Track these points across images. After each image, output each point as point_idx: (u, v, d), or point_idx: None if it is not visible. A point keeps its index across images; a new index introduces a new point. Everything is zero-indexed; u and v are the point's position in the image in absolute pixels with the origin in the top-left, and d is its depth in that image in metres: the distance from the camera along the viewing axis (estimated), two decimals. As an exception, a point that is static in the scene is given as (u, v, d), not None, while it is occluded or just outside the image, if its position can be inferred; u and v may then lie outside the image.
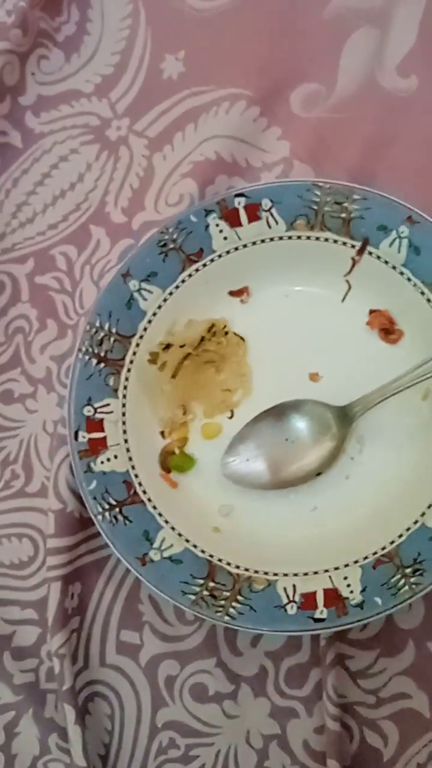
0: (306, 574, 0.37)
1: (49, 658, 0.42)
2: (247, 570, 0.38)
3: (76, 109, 0.50)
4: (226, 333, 0.42)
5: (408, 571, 0.35)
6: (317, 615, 0.36)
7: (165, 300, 0.42)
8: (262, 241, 0.41)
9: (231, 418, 0.42)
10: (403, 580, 0.35)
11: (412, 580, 0.35)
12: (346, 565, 0.37)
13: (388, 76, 0.42)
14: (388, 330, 0.40)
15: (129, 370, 0.42)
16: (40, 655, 0.43)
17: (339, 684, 0.38)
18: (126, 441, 0.41)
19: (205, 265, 0.42)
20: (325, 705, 0.38)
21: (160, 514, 0.40)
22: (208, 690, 0.40)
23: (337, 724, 0.38)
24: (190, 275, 0.42)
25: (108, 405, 0.41)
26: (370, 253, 0.39)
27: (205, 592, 0.37)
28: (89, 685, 0.42)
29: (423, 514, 0.36)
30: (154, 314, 0.42)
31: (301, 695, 0.40)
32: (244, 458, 0.40)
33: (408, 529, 0.37)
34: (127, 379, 0.42)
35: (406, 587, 0.35)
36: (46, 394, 0.46)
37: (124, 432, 0.41)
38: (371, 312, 0.41)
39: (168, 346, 0.42)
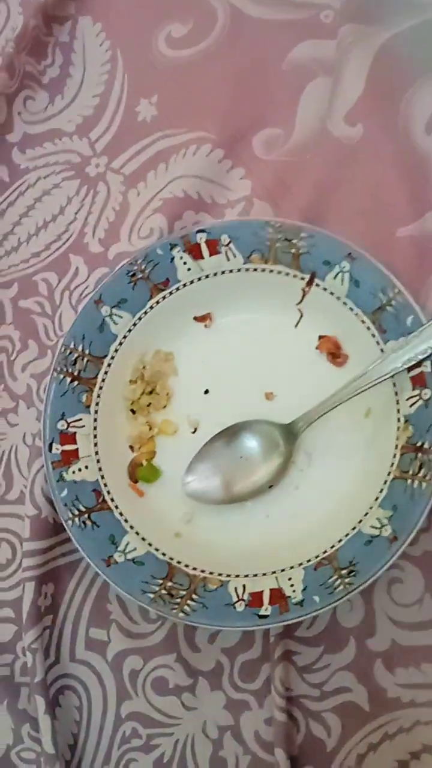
0: (255, 575, 0.41)
1: (24, 654, 0.45)
2: (203, 571, 0.42)
3: (59, 146, 0.54)
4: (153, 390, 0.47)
5: (344, 572, 0.39)
6: (262, 612, 0.39)
7: (134, 324, 0.46)
8: (222, 272, 0.45)
9: (194, 432, 0.46)
10: (339, 581, 0.39)
11: (346, 580, 0.38)
12: (291, 568, 0.40)
13: (337, 124, 0.46)
14: (334, 354, 0.44)
15: (101, 388, 0.46)
16: (16, 651, 0.46)
17: (286, 678, 0.42)
18: (96, 453, 0.45)
19: (171, 293, 0.46)
20: (273, 698, 0.41)
21: (126, 520, 0.43)
22: (169, 683, 0.44)
23: (284, 715, 0.41)
24: (157, 302, 0.46)
25: (80, 420, 0.45)
26: (318, 285, 0.43)
27: (163, 591, 0.41)
28: (60, 678, 0.45)
29: (360, 521, 0.40)
30: (125, 337, 0.46)
31: (253, 689, 0.43)
32: (203, 477, 0.44)
33: (347, 535, 0.40)
34: (99, 396, 0.45)
35: (341, 587, 0.38)
36: (26, 409, 0.50)
37: (95, 445, 0.45)
38: (320, 337, 0.45)
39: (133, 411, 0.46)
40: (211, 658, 0.44)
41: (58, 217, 0.53)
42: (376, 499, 0.40)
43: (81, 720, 0.45)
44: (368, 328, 0.42)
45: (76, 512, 0.43)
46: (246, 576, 0.41)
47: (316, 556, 0.40)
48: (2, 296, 0.52)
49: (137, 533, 0.43)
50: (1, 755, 0.45)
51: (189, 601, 0.40)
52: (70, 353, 0.45)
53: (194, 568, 0.42)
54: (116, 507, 0.44)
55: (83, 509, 0.43)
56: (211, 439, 0.44)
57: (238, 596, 0.40)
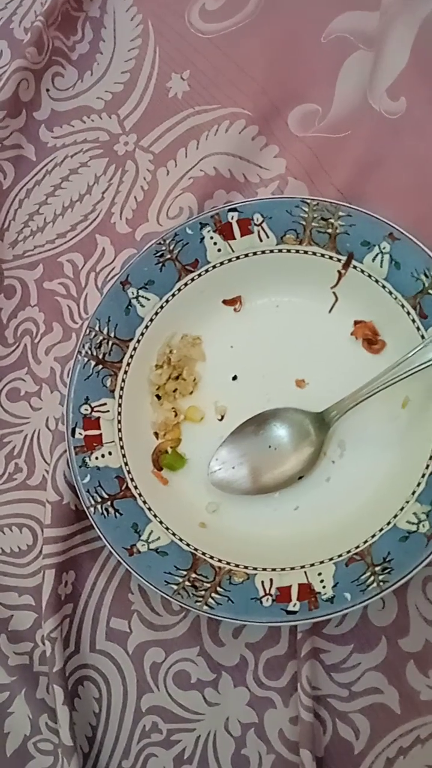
0: (283, 569, 0.39)
1: (43, 642, 0.44)
2: (228, 564, 0.40)
3: (87, 124, 0.52)
4: (179, 376, 0.45)
5: (378, 569, 0.37)
6: (290, 608, 0.38)
7: (162, 307, 0.44)
8: (254, 253, 0.43)
9: (221, 420, 0.44)
10: (372, 578, 0.37)
11: (380, 577, 0.37)
12: (321, 562, 0.39)
13: (378, 98, 0.44)
14: (371, 340, 0.42)
15: (126, 373, 0.44)
16: (35, 639, 0.45)
17: (313, 676, 0.40)
18: (121, 439, 0.43)
19: (200, 275, 0.44)
20: (299, 696, 0.40)
21: (149, 509, 0.42)
22: (191, 678, 0.42)
23: (311, 715, 0.39)
24: (186, 284, 0.44)
25: (105, 404, 0.43)
26: (355, 267, 0.41)
27: (187, 583, 0.39)
28: (79, 669, 0.44)
29: (395, 516, 0.38)
30: (151, 320, 0.44)
31: (278, 686, 0.41)
32: (230, 466, 0.42)
33: (381, 530, 0.38)
34: (123, 380, 0.44)
35: (375, 584, 0.37)
36: (50, 393, 0.48)
37: (120, 430, 0.43)
38: (356, 323, 0.43)
39: (159, 397, 0.45)
40: (235, 653, 0.42)
41: (85, 197, 0.51)
42: (413, 493, 0.38)
43: (100, 712, 0.43)
44: (408, 313, 0.40)
45: (99, 499, 0.42)
46: (273, 569, 0.39)
47: (348, 551, 0.38)
48: (27, 277, 0.51)
49: (161, 522, 0.42)
50: (18, 745, 0.44)
51: (214, 594, 0.39)
52: (95, 336, 0.44)
53: (219, 560, 0.41)
54: (140, 495, 0.42)
55: (106, 496, 0.42)
56: (239, 426, 0.42)
57: (264, 590, 0.39)
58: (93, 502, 0.41)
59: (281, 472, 0.41)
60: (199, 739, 0.42)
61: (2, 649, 0.44)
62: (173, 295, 0.44)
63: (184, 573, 0.40)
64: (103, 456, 0.43)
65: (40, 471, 0.47)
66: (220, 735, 0.42)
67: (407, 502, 0.38)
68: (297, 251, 0.43)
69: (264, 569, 0.40)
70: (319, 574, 0.38)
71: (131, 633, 0.44)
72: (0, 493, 0.48)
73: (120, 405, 0.44)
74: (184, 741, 0.42)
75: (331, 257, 0.42)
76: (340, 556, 0.39)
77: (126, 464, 0.43)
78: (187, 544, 0.41)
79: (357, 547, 0.38)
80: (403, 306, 0.40)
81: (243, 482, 0.42)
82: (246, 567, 0.40)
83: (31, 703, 0.44)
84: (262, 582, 0.39)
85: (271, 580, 0.39)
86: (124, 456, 0.43)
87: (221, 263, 0.44)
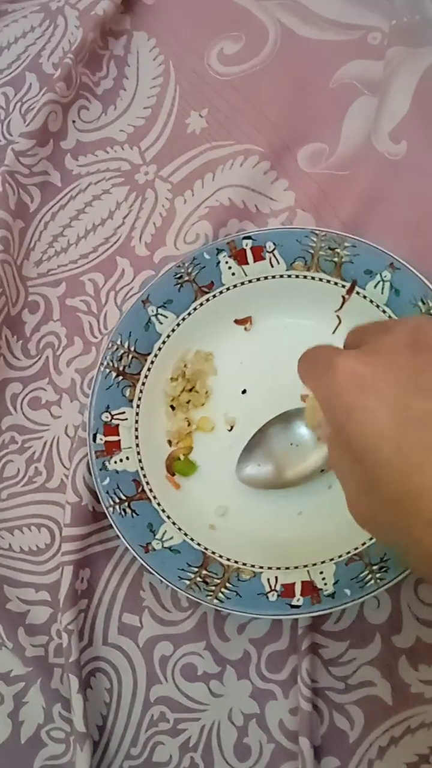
0: (287, 568, 0.42)
1: (58, 636, 0.47)
2: (236, 562, 0.43)
3: (110, 154, 0.56)
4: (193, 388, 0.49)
5: (375, 567, 0.40)
6: (294, 602, 0.41)
7: (178, 324, 0.48)
8: (265, 278, 0.47)
9: (231, 430, 0.48)
10: (370, 575, 0.40)
11: (377, 575, 0.40)
12: (323, 562, 0.42)
13: (381, 140, 0.48)
14: (371, 360, 0.46)
15: (144, 384, 0.48)
16: (50, 633, 0.48)
17: (312, 670, 0.43)
18: (137, 445, 0.47)
19: (214, 296, 0.48)
20: (299, 688, 0.43)
21: (163, 510, 0.45)
22: (197, 670, 0.45)
23: (310, 705, 0.42)
24: (201, 304, 0.48)
25: (123, 413, 0.47)
26: (358, 293, 0.45)
27: (199, 579, 0.43)
28: (92, 661, 0.47)
29: (391, 521, 0.42)
30: (168, 336, 0.48)
31: (279, 679, 0.44)
32: (256, 463, 0.45)
33: (378, 533, 0.42)
34: (141, 391, 0.48)
35: (372, 581, 0.40)
36: (70, 402, 0.52)
37: (136, 437, 0.47)
38: (357, 344, 0.46)
39: (173, 407, 0.48)
40: (240, 647, 0.45)
41: (107, 221, 0.55)
42: (408, 499, 0.41)
43: (111, 702, 0.46)
44: (405, 336, 0.44)
45: (117, 500, 0.45)
46: (278, 568, 0.43)
47: (348, 552, 0.42)
48: (50, 294, 0.54)
49: (174, 523, 0.45)
50: (32, 734, 0.47)
51: (223, 589, 0.42)
52: (117, 349, 0.47)
53: (228, 559, 0.44)
54: (154, 497, 0.46)
55: (124, 497, 0.45)
56: (263, 426, 0.45)
57: (270, 587, 0.42)
58: (112, 503, 0.45)
59: (304, 467, 0.44)
60: (204, 728, 0.45)
61: (20, 642, 0.47)
62: (189, 313, 0.48)
63: (196, 570, 0.43)
64: (121, 460, 0.46)
65: (59, 475, 0.50)
66: (223, 724, 0.44)
67: (402, 507, 0.41)
68: (305, 277, 0.46)
69: (269, 568, 0.43)
70: (321, 572, 0.42)
71: (142, 628, 0.46)
72: (20, 495, 0.51)
73: (137, 414, 0.47)
74: (190, 730, 0.45)
75: (336, 283, 0.46)
76: (340, 556, 0.42)
77: (142, 469, 0.46)
78: (198, 544, 0.44)
79: (356, 548, 0.42)
80: (401, 329, 0.44)
81: (268, 477, 0.45)
82: (253, 566, 0.43)
83: (46, 693, 0.47)
84: (268, 579, 0.42)
85: (276, 577, 0.42)
86: (140, 461, 0.46)
87: (234, 286, 0.48)
